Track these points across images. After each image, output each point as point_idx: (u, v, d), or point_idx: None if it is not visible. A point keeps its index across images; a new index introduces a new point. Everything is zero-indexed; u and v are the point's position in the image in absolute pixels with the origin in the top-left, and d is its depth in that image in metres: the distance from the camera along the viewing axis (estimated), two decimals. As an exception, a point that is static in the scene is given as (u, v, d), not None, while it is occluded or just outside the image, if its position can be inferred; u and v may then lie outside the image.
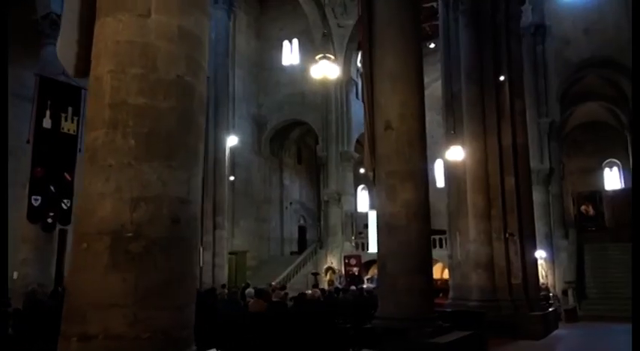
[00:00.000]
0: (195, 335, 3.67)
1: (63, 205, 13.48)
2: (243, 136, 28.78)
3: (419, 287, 7.97)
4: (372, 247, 22.49)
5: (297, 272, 26.50)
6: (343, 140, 27.57)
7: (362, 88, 9.52)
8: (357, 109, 26.37)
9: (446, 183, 15.05)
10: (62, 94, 13.26)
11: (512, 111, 13.60)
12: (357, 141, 27.77)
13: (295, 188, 33.39)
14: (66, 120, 13.76)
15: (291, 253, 30.85)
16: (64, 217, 13.18)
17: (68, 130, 13.74)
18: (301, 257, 27.67)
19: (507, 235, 12.95)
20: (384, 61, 8.63)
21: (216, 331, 7.69)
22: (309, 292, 9.44)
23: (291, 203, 32.64)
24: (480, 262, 12.89)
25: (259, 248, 29.37)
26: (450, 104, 14.27)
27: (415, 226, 8.21)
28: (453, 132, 13.11)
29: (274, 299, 9.43)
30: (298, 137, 32.79)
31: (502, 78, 13.54)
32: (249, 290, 10.28)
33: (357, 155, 27.40)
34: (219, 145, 19.85)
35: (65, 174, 13.50)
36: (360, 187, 34.89)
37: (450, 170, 14.27)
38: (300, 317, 7.30)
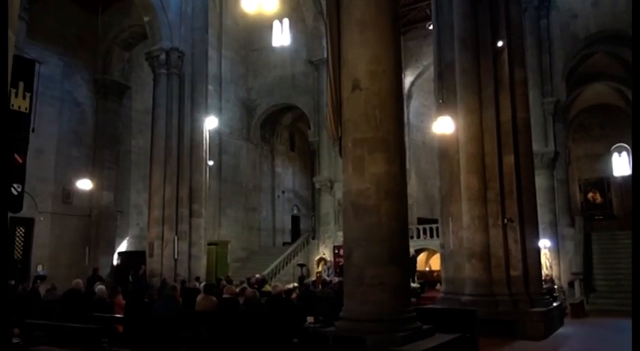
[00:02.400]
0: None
1: (13, 190, 12.25)
2: (231, 121, 27.38)
3: (390, 281, 6.45)
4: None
5: (287, 264, 25.19)
6: (336, 124, 25.98)
7: (326, 40, 7.96)
8: (350, 91, 24.78)
9: (437, 163, 13.47)
10: (13, 68, 11.85)
11: (511, 81, 11.99)
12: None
13: (288, 176, 31.99)
14: (16, 96, 12.51)
15: (284, 243, 29.53)
16: (15, 203, 11.92)
17: (19, 107, 12.47)
18: (291, 248, 26.37)
19: (505, 220, 11.39)
20: (351, 5, 7.08)
21: (146, 332, 6.29)
22: (269, 287, 7.98)
23: (283, 192, 31.27)
24: (475, 252, 11.37)
25: (249, 239, 28.12)
26: (442, 75, 12.66)
27: (387, 206, 6.67)
28: (441, 101, 11.51)
29: (225, 296, 8.00)
30: (291, 123, 31.31)
31: (500, 44, 11.93)
32: (203, 285, 8.82)
33: (350, 140, 25.86)
34: (196, 126, 18.27)
35: (16, 156, 12.27)
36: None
37: (441, 148, 12.70)
38: (238, 320, 5.84)
